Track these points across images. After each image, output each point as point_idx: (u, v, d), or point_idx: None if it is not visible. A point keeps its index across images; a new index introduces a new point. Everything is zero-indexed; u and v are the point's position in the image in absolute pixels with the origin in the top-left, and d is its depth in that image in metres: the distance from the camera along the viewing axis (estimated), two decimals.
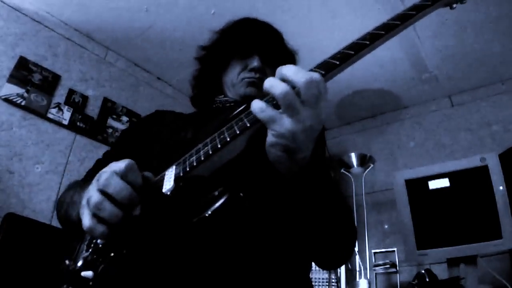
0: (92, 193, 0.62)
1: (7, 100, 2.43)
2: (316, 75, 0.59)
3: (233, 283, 0.71)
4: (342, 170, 3.22)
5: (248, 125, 0.62)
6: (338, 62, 0.65)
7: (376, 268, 2.96)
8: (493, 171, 2.16)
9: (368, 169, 3.17)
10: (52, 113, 2.63)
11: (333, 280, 2.76)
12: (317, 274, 2.81)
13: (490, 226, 2.08)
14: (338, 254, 0.81)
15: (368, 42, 0.68)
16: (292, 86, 0.58)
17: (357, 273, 2.87)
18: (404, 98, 3.43)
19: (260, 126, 0.62)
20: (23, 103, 2.49)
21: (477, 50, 2.81)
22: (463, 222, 2.19)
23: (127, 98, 3.12)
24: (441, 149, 3.20)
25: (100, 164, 0.99)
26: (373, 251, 3.09)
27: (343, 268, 2.84)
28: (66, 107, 2.71)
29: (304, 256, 0.84)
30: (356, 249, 2.91)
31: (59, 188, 2.54)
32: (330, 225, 0.72)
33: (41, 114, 2.57)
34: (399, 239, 2.79)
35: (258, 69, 0.99)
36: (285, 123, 0.58)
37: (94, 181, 0.64)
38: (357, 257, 2.88)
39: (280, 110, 0.58)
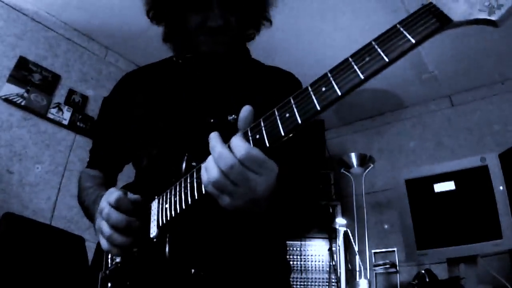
0: (102, 225, 0.80)
1: (7, 100, 2.43)
2: (239, 157, 0.59)
3: None
4: (342, 170, 3.22)
5: (204, 193, 0.68)
6: (283, 134, 0.60)
7: (376, 268, 2.96)
8: (493, 171, 2.15)
9: (368, 169, 3.17)
10: (52, 113, 2.63)
11: (333, 280, 2.76)
12: (317, 274, 2.81)
13: (490, 226, 2.08)
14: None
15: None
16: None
17: (357, 273, 2.87)
18: (404, 98, 3.42)
19: None
20: (23, 103, 2.49)
21: (477, 50, 2.81)
22: (463, 222, 2.19)
23: None
24: (441, 149, 3.20)
25: (96, 151, 1.18)
26: (373, 251, 3.09)
27: (343, 268, 2.84)
28: (66, 107, 2.71)
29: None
30: (356, 249, 2.91)
31: (59, 188, 2.54)
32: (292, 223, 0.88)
33: (41, 114, 2.57)
34: (399, 239, 2.79)
35: (218, 28, 0.89)
36: (226, 200, 0.64)
37: (98, 213, 0.82)
38: (357, 257, 2.88)
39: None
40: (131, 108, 1.03)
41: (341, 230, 2.92)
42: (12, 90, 2.46)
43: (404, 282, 2.80)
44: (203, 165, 0.66)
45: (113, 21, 2.81)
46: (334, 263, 2.79)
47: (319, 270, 2.82)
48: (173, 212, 0.76)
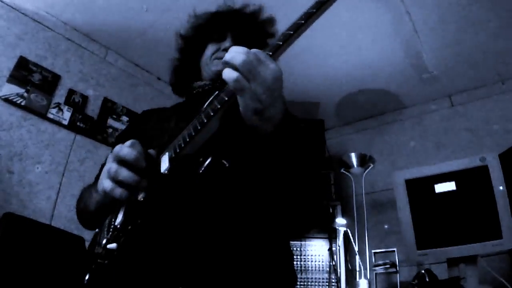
0: (110, 165, 0.77)
1: (7, 100, 2.43)
2: (252, 50, 0.69)
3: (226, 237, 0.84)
4: (342, 170, 3.22)
5: (219, 106, 0.74)
6: (281, 43, 0.72)
7: (376, 268, 2.95)
8: (493, 171, 2.15)
9: (368, 169, 3.16)
10: (52, 113, 2.63)
11: (333, 280, 2.76)
12: (317, 274, 2.81)
13: (490, 226, 2.08)
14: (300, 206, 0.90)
15: (303, 21, 0.73)
16: None
17: (357, 273, 2.87)
18: (404, 98, 3.42)
19: (227, 106, 0.74)
20: (23, 103, 2.49)
21: (477, 50, 2.81)
22: (463, 222, 2.19)
23: (127, 98, 3.12)
24: (441, 149, 3.20)
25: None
26: (373, 251, 3.09)
27: (343, 268, 2.84)
28: (66, 107, 2.71)
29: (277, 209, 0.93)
30: (356, 249, 2.91)
31: (59, 188, 2.54)
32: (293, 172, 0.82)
33: (41, 114, 2.57)
34: (399, 239, 2.79)
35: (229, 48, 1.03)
36: (253, 87, 0.67)
37: (108, 157, 0.80)
38: (357, 257, 2.88)
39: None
40: (145, 128, 1.10)
41: (341, 230, 2.92)
42: (12, 90, 2.46)
43: (404, 282, 2.79)
44: (227, 56, 0.69)
45: (113, 21, 2.81)
46: (334, 263, 2.79)
47: (319, 270, 2.82)
48: (187, 138, 0.78)
